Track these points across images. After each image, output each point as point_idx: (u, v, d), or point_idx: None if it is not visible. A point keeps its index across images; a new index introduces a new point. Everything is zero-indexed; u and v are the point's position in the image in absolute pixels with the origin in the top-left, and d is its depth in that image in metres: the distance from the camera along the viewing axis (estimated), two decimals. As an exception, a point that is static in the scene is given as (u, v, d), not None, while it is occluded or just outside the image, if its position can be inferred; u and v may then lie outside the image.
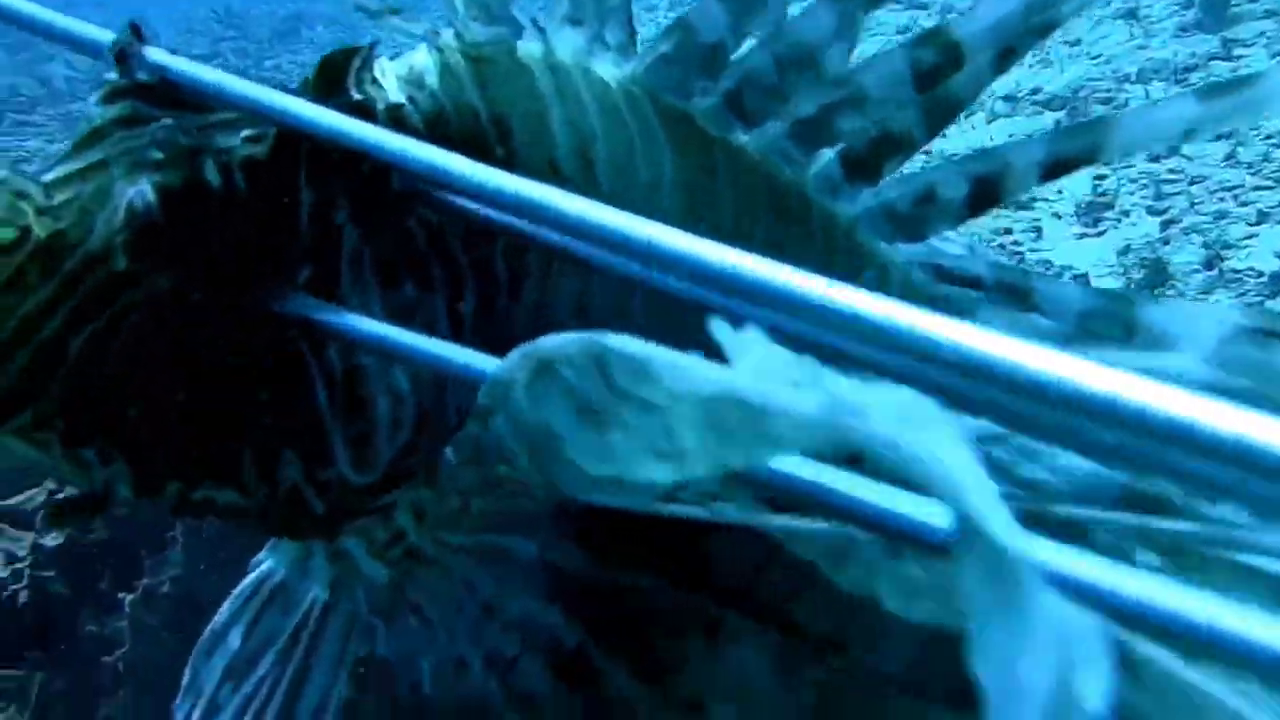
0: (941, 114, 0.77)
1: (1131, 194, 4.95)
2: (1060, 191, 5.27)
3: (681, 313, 0.58)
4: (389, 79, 0.67)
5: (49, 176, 0.59)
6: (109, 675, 2.13)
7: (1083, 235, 4.83)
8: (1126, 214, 4.85)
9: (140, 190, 0.58)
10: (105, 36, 0.63)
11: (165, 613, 2.13)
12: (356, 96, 0.64)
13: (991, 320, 0.74)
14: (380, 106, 0.65)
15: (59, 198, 0.58)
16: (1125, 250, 4.50)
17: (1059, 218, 5.04)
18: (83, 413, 0.59)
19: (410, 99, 0.66)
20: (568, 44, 0.71)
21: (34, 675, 2.10)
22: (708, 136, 0.75)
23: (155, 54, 0.61)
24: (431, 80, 0.67)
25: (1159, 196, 4.85)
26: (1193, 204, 4.68)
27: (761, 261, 0.44)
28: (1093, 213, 4.97)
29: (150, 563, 2.18)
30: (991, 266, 0.79)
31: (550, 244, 0.54)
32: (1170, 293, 4.08)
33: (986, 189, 0.77)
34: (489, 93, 0.67)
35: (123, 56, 0.61)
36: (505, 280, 0.68)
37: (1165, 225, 4.61)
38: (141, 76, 0.61)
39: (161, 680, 2.16)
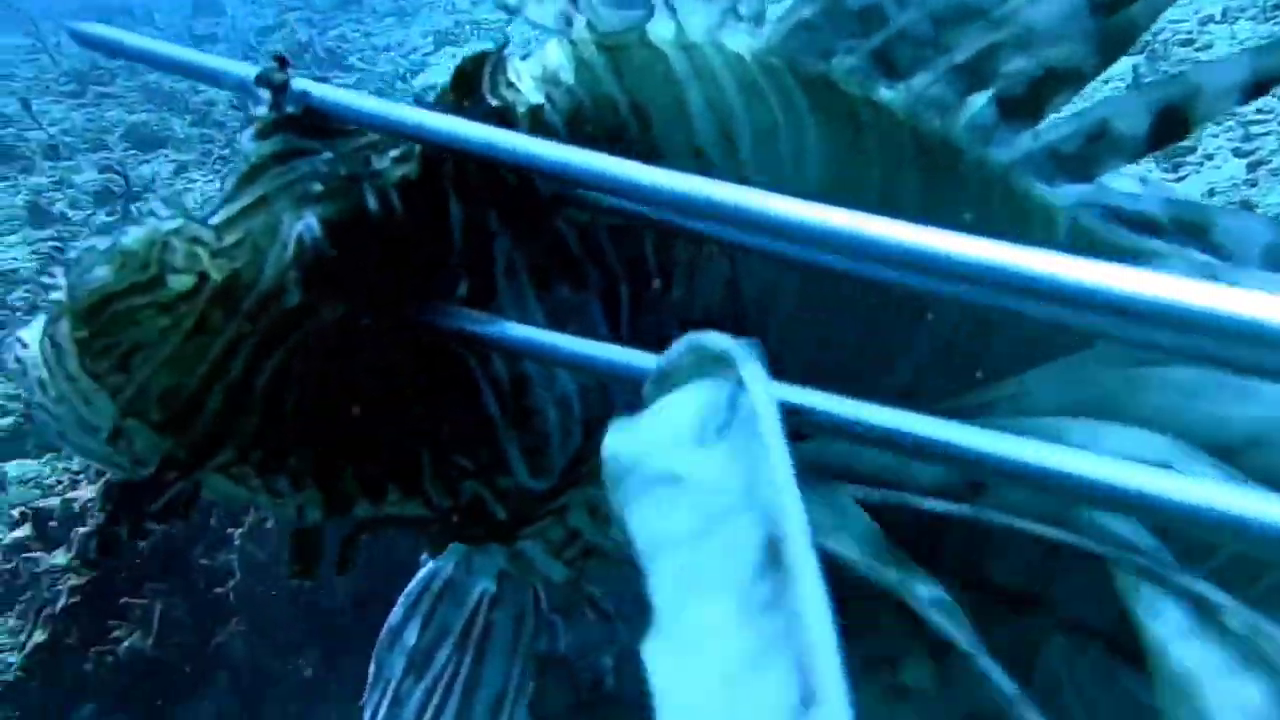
0: (1116, 43, 0.72)
1: (1215, 136, 4.82)
2: (1141, 135, 5.15)
3: (835, 287, 0.61)
4: (525, 80, 0.67)
5: (217, 218, 0.60)
6: (222, 604, 2.23)
7: (1162, 181, 4.72)
8: (1210, 157, 4.72)
9: (307, 224, 0.59)
10: (247, 71, 0.64)
11: (271, 546, 2.21)
12: (494, 102, 0.64)
13: (1171, 263, 0.71)
14: (520, 110, 0.65)
15: (229, 239, 0.59)
16: (1210, 194, 4.39)
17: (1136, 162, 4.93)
18: (273, 444, 0.61)
19: (549, 98, 0.66)
20: (699, 21, 0.69)
21: (155, 603, 2.21)
22: (851, 98, 0.72)
23: (300, 83, 0.62)
24: (567, 76, 0.67)
25: (1247, 138, 4.72)
26: (1283, 144, 4.55)
27: (919, 230, 0.43)
28: (1174, 157, 4.86)
29: (258, 500, 2.26)
30: (1167, 203, 0.75)
31: (699, 231, 0.53)
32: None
33: (1173, 119, 0.72)
34: (625, 82, 0.66)
35: (270, 87, 0.62)
36: (656, 272, 0.68)
37: (1252, 167, 4.48)
38: (290, 108, 0.62)
39: (269, 609, 2.27)
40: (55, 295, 0.58)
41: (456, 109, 0.61)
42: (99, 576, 2.26)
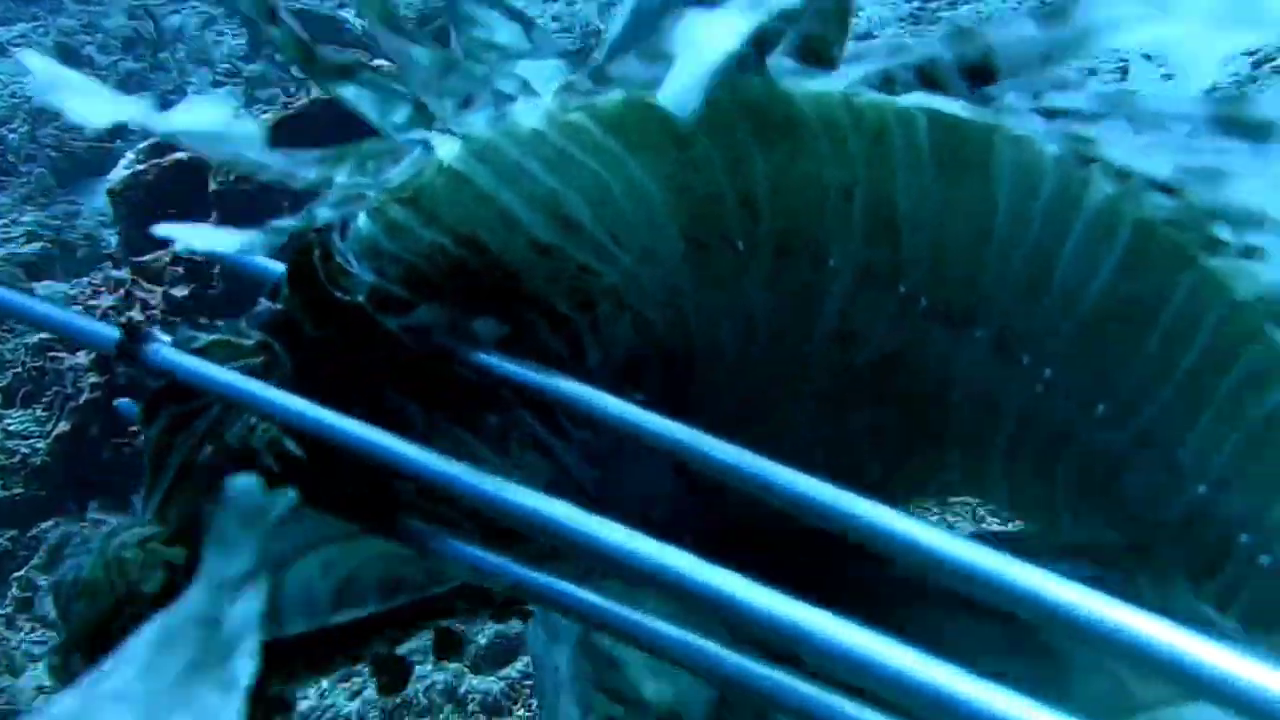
0: None
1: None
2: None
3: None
4: (352, 260, 0.58)
5: (148, 512, 0.57)
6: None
7: (1169, 74, 4.75)
8: (1220, 55, 4.74)
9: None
10: (112, 333, 0.58)
11: (275, 358, 2.43)
12: (341, 297, 0.56)
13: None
14: (362, 298, 0.57)
15: (174, 521, 0.56)
16: (1212, 89, 4.43)
17: (1149, 58, 4.95)
18: None
19: (379, 272, 0.57)
20: (479, 121, 0.56)
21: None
22: (656, 110, 0.55)
23: (159, 351, 0.55)
24: (384, 243, 0.57)
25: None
26: (1290, 44, 4.55)
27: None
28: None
29: (262, 315, 2.47)
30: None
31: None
32: (1249, 131, 4.03)
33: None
34: (440, 222, 0.56)
35: (127, 355, 0.56)
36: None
37: (1257, 64, 4.51)
38: (150, 380, 0.57)
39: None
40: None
41: (303, 311, 0.56)
42: (114, 378, 2.49)
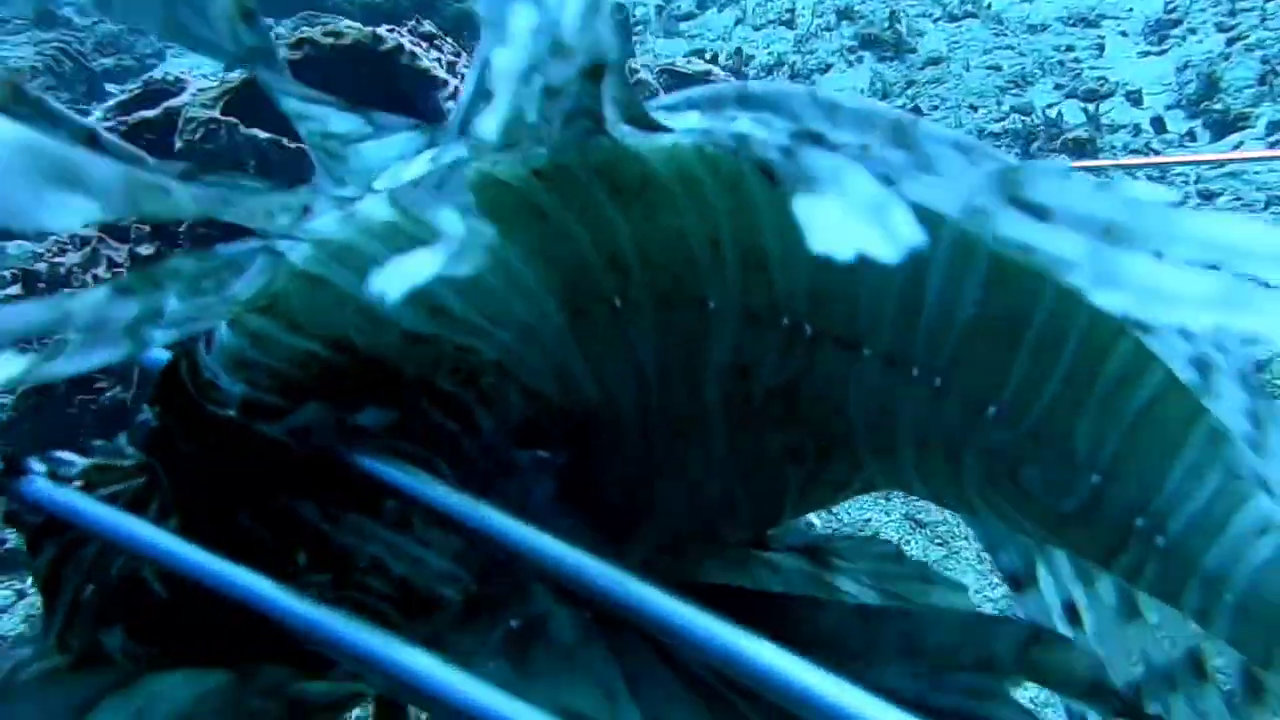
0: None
1: (1204, 10, 4.86)
2: (1131, 9, 5.18)
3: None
4: (220, 374, 0.55)
5: (50, 640, 0.56)
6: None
7: (1146, 53, 4.78)
8: (1194, 31, 4.77)
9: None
10: None
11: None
12: (213, 411, 0.55)
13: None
14: (235, 410, 0.55)
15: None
16: (1184, 67, 4.47)
17: (1125, 35, 4.98)
18: None
19: (249, 383, 0.55)
20: (327, 220, 0.53)
21: (135, 361, 2.45)
22: (490, 180, 0.55)
23: (35, 484, 0.54)
24: (249, 353, 0.55)
25: (1232, 13, 4.76)
26: (1264, 20, 4.59)
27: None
28: (1160, 30, 4.90)
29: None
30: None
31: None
32: (1217, 105, 4.08)
33: None
34: (303, 329, 0.55)
35: (2, 490, 0.54)
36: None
37: (1230, 42, 4.54)
38: (29, 515, 0.56)
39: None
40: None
41: (177, 427, 0.55)
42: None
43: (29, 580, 2.42)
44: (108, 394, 2.49)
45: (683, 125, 0.49)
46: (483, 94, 0.47)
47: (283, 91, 0.48)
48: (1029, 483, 0.56)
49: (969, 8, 5.45)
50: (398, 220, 0.52)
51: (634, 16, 5.98)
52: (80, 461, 0.56)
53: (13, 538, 2.50)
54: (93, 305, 0.45)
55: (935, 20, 5.47)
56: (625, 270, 0.56)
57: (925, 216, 0.35)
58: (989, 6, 5.44)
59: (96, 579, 0.56)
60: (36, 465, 0.54)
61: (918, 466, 0.59)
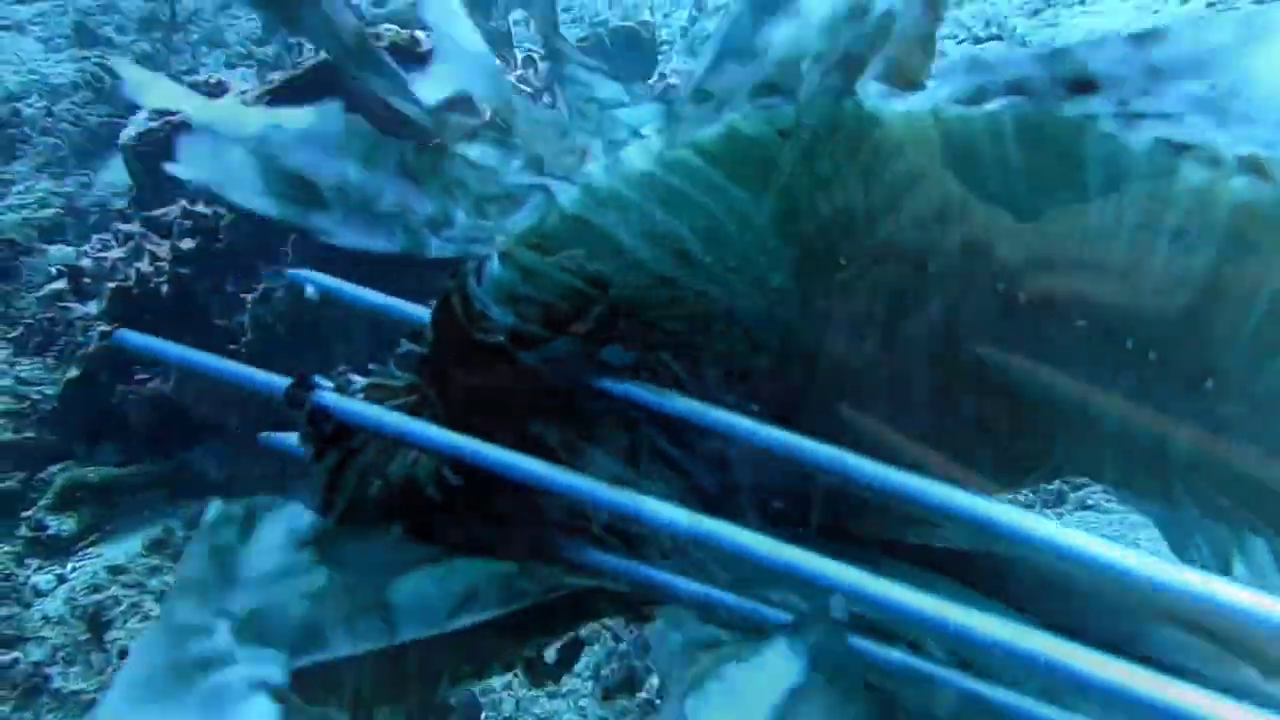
0: None
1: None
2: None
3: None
4: (490, 306, 0.62)
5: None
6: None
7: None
8: None
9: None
10: (282, 381, 0.64)
11: (279, 310, 2.50)
12: (483, 339, 0.62)
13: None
14: (504, 339, 0.61)
15: None
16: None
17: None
18: None
19: (519, 315, 0.61)
20: (595, 167, 0.60)
21: (173, 351, 2.51)
22: (751, 137, 0.60)
23: (323, 396, 0.62)
24: (517, 286, 0.61)
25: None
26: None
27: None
28: None
29: (267, 271, 2.54)
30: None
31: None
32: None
33: None
34: (567, 264, 0.61)
35: (296, 402, 0.62)
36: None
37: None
38: (321, 425, 0.62)
39: (276, 366, 2.56)
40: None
41: (449, 354, 0.62)
42: (123, 327, 2.56)
43: (69, 566, 2.48)
44: (149, 385, 2.56)
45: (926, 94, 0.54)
46: (724, 58, 0.56)
47: (566, 56, 0.59)
48: (1243, 460, 0.54)
49: (994, 30, 5.50)
50: (655, 171, 0.58)
51: (660, 36, 6.07)
52: (359, 380, 0.64)
53: (54, 523, 2.56)
54: (392, 190, 0.54)
55: (960, 42, 5.52)
56: (852, 229, 0.59)
57: (1160, 168, 0.39)
58: (1015, 30, 5.49)
59: (376, 479, 0.61)
60: (323, 381, 0.62)
61: (1116, 450, 0.59)
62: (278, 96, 2.55)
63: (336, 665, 0.55)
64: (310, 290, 0.76)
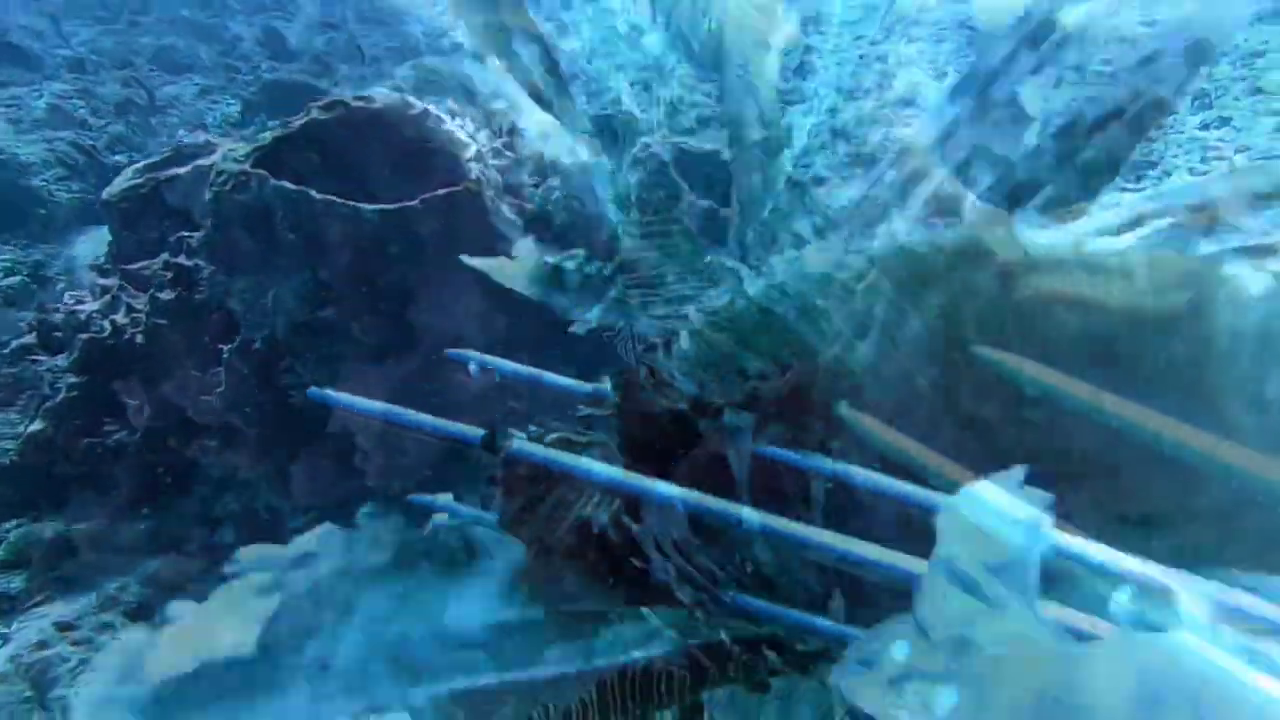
0: None
1: (1176, 157, 5.09)
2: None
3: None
4: (667, 373, 0.73)
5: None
6: (206, 410, 2.47)
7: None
8: (1169, 174, 5.00)
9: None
10: (478, 432, 0.77)
11: (254, 363, 2.45)
12: (664, 405, 0.72)
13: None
14: (681, 404, 0.72)
15: None
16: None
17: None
18: None
19: (699, 384, 0.72)
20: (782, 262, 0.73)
21: (143, 406, 2.44)
22: (915, 253, 0.74)
23: (517, 444, 0.74)
24: (690, 349, 0.72)
25: (1203, 159, 4.98)
26: None
27: None
28: (1135, 170, 5.12)
29: (246, 321, 2.50)
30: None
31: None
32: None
33: None
34: (755, 344, 0.74)
35: (491, 448, 0.74)
36: None
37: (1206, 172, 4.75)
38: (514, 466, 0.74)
39: (249, 415, 2.50)
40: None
41: (630, 417, 0.74)
42: (93, 379, 2.50)
43: (13, 625, 2.34)
44: (113, 437, 2.47)
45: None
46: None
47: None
48: None
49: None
50: (831, 272, 0.69)
51: (639, 118, 6.22)
52: (550, 436, 0.76)
53: (1, 582, 2.43)
54: (597, 282, 0.71)
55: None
56: (962, 325, 0.70)
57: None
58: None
59: (555, 524, 0.72)
60: (517, 432, 0.75)
61: None
62: (265, 157, 2.56)
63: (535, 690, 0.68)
64: (473, 367, 0.94)
